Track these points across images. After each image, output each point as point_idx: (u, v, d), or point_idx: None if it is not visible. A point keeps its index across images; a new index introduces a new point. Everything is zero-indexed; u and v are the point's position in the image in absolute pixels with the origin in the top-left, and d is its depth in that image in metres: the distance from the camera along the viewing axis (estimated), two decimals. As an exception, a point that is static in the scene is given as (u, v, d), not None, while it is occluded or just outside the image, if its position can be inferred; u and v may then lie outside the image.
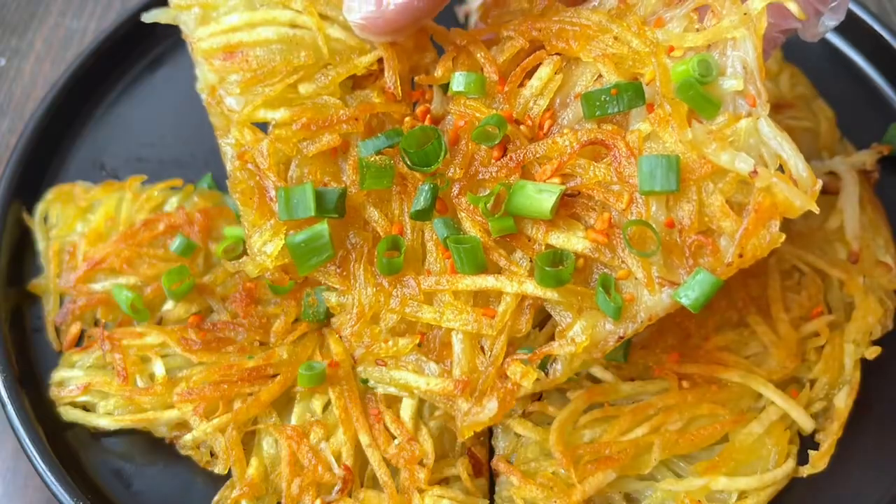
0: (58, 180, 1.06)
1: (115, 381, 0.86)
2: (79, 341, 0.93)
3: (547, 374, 0.71)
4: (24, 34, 1.29)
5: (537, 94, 0.74)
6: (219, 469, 0.84)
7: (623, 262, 0.68)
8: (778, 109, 1.02)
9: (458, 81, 0.75)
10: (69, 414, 0.88)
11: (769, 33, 0.81)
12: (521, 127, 0.74)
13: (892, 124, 1.05)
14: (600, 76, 0.72)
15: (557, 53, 0.74)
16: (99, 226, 0.98)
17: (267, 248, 0.73)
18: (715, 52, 0.68)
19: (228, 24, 0.79)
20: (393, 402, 0.85)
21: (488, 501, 0.83)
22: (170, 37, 1.20)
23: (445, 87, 0.78)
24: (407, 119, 0.78)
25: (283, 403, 0.86)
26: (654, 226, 0.66)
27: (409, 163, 0.73)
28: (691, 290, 0.66)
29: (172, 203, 1.00)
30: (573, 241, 0.69)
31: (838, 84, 1.10)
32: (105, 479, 0.87)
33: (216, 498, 0.83)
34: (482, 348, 0.72)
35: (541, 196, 0.68)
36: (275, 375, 0.86)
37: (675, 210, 0.67)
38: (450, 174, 0.73)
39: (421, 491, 0.80)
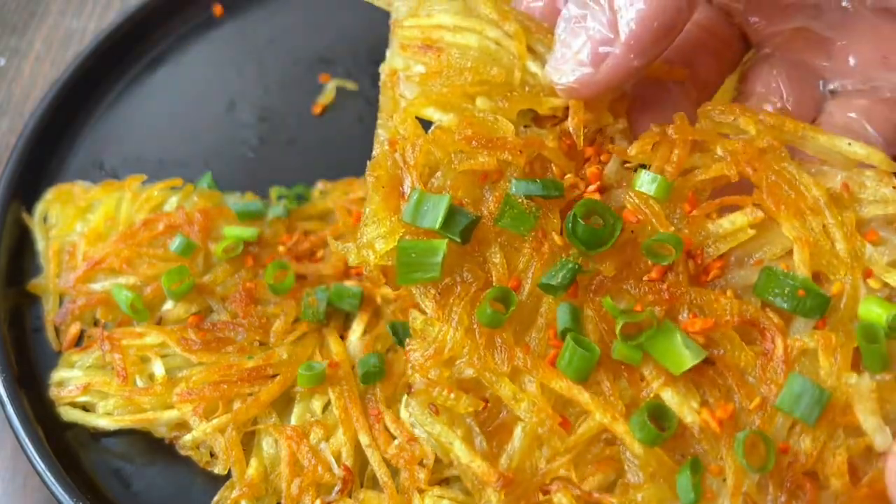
0: (57, 180, 1.06)
1: (114, 382, 0.86)
2: (78, 341, 0.93)
3: None
4: (24, 34, 1.29)
5: (722, 236, 0.68)
6: (218, 469, 0.84)
7: (721, 458, 0.62)
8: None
9: (651, 180, 0.68)
10: (69, 414, 0.88)
11: None
12: (690, 262, 0.67)
13: (893, 124, 1.05)
14: (790, 254, 0.66)
15: (757, 204, 0.68)
16: (98, 226, 0.98)
17: (378, 243, 0.68)
18: None
19: (438, 20, 0.77)
20: (393, 402, 0.85)
21: None
22: (170, 36, 1.20)
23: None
24: (568, 176, 0.71)
25: (283, 403, 0.86)
26: (773, 447, 0.61)
27: (571, 230, 0.67)
28: None
29: (172, 203, 1.00)
30: (685, 410, 0.63)
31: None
32: (105, 479, 0.86)
33: (216, 498, 0.83)
34: (542, 453, 0.65)
35: (683, 352, 0.62)
36: (275, 375, 0.86)
37: (797, 438, 0.62)
38: (601, 267, 0.67)
39: (421, 491, 0.80)
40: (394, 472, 0.81)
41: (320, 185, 1.04)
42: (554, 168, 0.71)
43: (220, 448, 0.83)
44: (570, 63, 0.70)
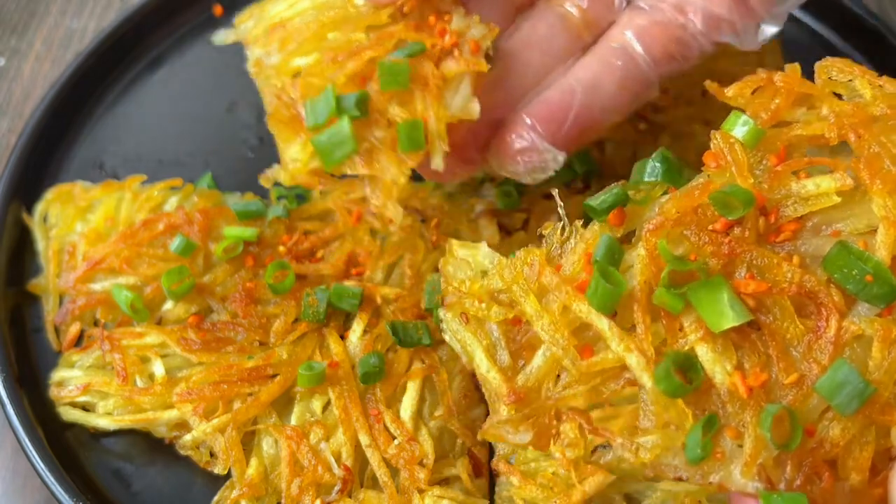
0: (57, 180, 1.06)
1: (114, 381, 0.86)
2: (78, 341, 0.93)
3: (592, 453, 0.64)
4: (24, 34, 1.29)
5: (803, 198, 0.64)
6: (218, 469, 0.84)
7: (743, 424, 0.59)
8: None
9: (742, 123, 0.67)
10: (69, 414, 0.88)
11: (701, 45, 0.80)
12: (761, 219, 0.64)
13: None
14: (872, 233, 0.62)
15: (853, 177, 0.64)
16: (99, 226, 0.98)
17: (297, 155, 0.79)
18: None
19: (274, 12, 0.89)
20: (393, 402, 0.85)
21: (488, 501, 0.83)
22: (170, 36, 1.20)
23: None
24: (427, 40, 0.79)
25: (283, 403, 0.86)
26: (801, 427, 0.59)
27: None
28: None
29: (172, 203, 1.00)
30: (717, 369, 0.60)
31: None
32: (105, 479, 0.87)
33: (216, 498, 0.83)
34: (558, 378, 0.65)
35: (727, 311, 0.60)
36: (274, 375, 0.86)
37: (826, 424, 0.59)
38: (662, 201, 0.66)
39: (421, 491, 0.80)
40: (394, 472, 0.81)
41: (320, 185, 1.04)
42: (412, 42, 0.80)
43: (220, 448, 0.83)
44: None
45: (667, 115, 1.02)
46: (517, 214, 0.99)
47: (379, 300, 0.91)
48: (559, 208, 0.72)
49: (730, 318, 0.60)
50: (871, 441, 0.59)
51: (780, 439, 0.58)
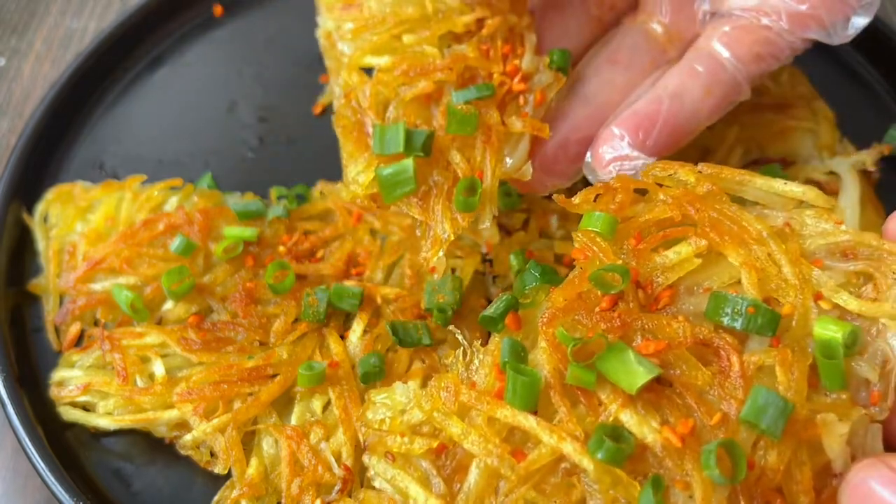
0: (58, 180, 1.06)
1: (114, 381, 0.86)
2: (79, 341, 0.93)
3: None
4: (24, 34, 1.29)
5: (669, 267, 0.70)
6: (219, 469, 0.84)
7: (687, 474, 0.61)
8: (778, 110, 1.02)
9: (595, 220, 0.72)
10: (69, 414, 0.88)
11: (790, 43, 0.81)
12: (640, 292, 0.70)
13: (893, 124, 1.05)
14: (738, 283, 0.68)
15: (705, 240, 0.70)
16: (99, 226, 0.98)
17: (360, 177, 0.80)
18: (856, 322, 0.64)
19: None
20: (393, 402, 0.85)
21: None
22: (170, 37, 1.20)
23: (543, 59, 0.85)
24: (495, 76, 0.82)
25: (283, 403, 0.86)
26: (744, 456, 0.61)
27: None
28: None
29: (172, 203, 1.00)
30: (645, 430, 0.62)
31: (838, 84, 1.10)
32: (105, 479, 0.87)
33: (216, 498, 0.83)
34: (497, 489, 0.66)
35: (636, 369, 0.63)
36: (275, 375, 0.86)
37: (762, 454, 0.62)
38: (549, 298, 0.70)
39: (421, 491, 0.80)
40: (394, 471, 0.81)
41: (320, 185, 1.04)
42: (481, 73, 0.83)
43: (220, 448, 0.83)
44: None
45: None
46: (517, 214, 0.99)
47: (379, 300, 0.91)
48: (458, 335, 0.79)
49: (641, 375, 0.63)
50: (807, 461, 0.62)
51: (727, 473, 0.60)
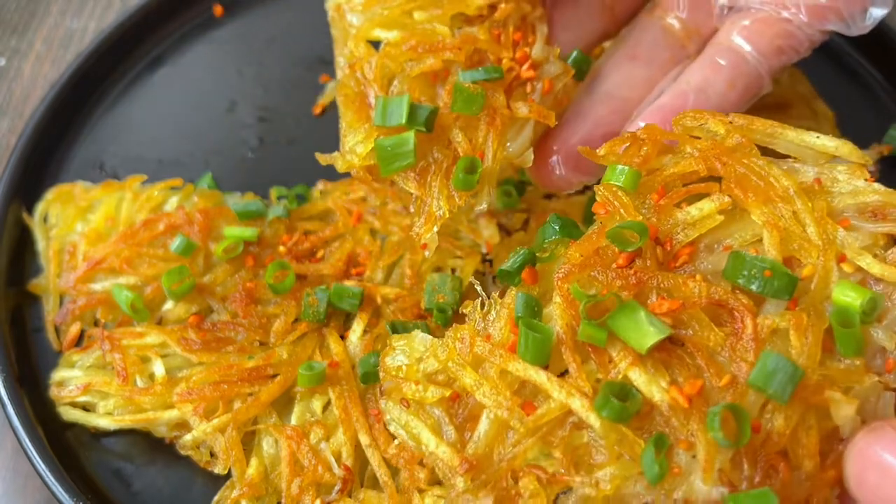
0: (58, 180, 1.06)
1: (115, 381, 0.86)
2: (78, 341, 0.93)
3: (555, 501, 0.65)
4: (24, 34, 1.29)
5: (690, 223, 0.69)
6: (219, 469, 0.84)
7: (692, 434, 0.61)
8: (778, 109, 1.02)
9: (618, 173, 0.72)
10: (69, 414, 0.88)
11: (809, 35, 0.81)
12: (658, 249, 0.69)
13: (893, 124, 1.05)
14: (760, 241, 0.67)
15: (729, 196, 0.69)
16: (99, 226, 0.98)
17: (358, 147, 0.78)
18: (878, 287, 0.64)
19: None
20: (393, 402, 0.85)
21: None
22: (170, 37, 1.20)
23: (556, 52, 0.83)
24: (504, 60, 0.80)
25: (283, 403, 0.86)
26: (748, 419, 0.61)
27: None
28: None
29: (172, 203, 1.00)
30: (653, 389, 0.63)
31: (838, 84, 1.10)
32: (105, 479, 0.87)
33: (216, 498, 0.83)
34: (506, 440, 0.67)
35: (647, 329, 0.63)
36: (275, 375, 0.86)
37: (768, 417, 0.62)
38: (566, 253, 0.70)
39: (421, 491, 0.80)
40: (394, 471, 0.81)
41: (320, 185, 1.04)
42: (490, 57, 0.80)
43: (220, 448, 0.83)
44: None
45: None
46: (517, 214, 0.99)
47: (379, 300, 0.91)
48: (476, 287, 0.77)
49: (652, 335, 0.63)
50: (814, 425, 0.61)
51: (731, 437, 0.60)
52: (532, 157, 0.81)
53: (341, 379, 0.85)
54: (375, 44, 0.84)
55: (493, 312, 0.72)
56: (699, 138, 0.73)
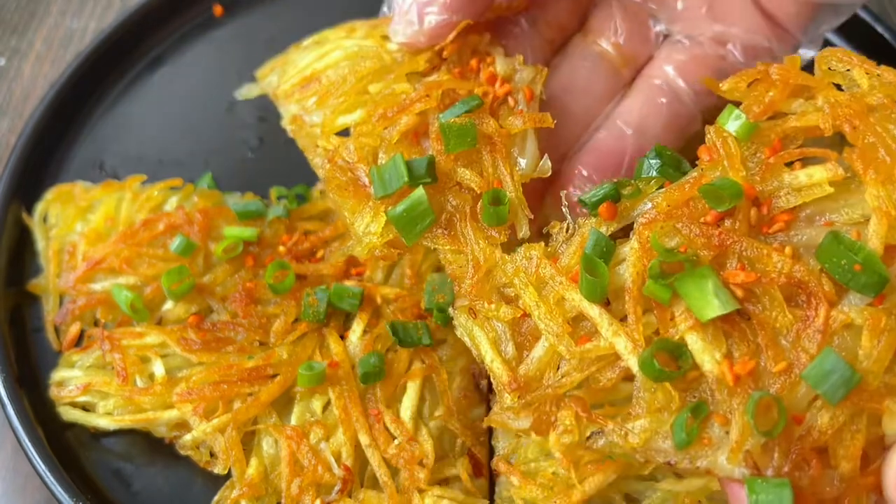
0: (57, 180, 1.06)
1: (114, 381, 0.86)
2: (78, 341, 0.93)
3: (588, 439, 0.65)
4: (24, 34, 1.29)
5: (796, 189, 0.65)
6: (218, 469, 0.84)
7: (731, 412, 0.60)
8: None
9: (735, 118, 0.67)
10: (69, 414, 0.88)
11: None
12: (753, 210, 0.65)
13: (893, 124, 1.05)
14: (865, 223, 0.62)
15: (847, 166, 0.64)
16: (99, 226, 0.98)
17: (371, 227, 0.74)
18: None
19: (302, 64, 0.88)
20: (393, 402, 0.85)
21: (488, 502, 0.83)
22: (170, 37, 1.20)
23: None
24: (477, 89, 0.78)
25: (283, 403, 0.86)
26: (786, 414, 0.59)
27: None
28: (766, 494, 0.58)
29: (172, 203, 1.00)
30: (706, 358, 0.61)
31: (838, 84, 1.10)
32: (105, 479, 0.87)
33: (216, 498, 0.83)
34: (558, 368, 0.66)
35: (712, 301, 0.61)
36: (275, 375, 0.86)
37: (815, 412, 0.60)
38: (654, 196, 0.67)
39: (421, 491, 0.80)
40: (394, 472, 0.81)
41: (320, 185, 1.04)
42: (461, 92, 0.79)
43: (220, 448, 0.83)
44: (402, 23, 0.79)
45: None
46: (517, 214, 0.99)
47: (379, 300, 0.91)
48: (563, 208, 0.74)
49: (715, 308, 0.61)
50: (862, 430, 0.60)
51: (764, 426, 0.59)
52: (549, 164, 0.77)
53: (341, 379, 0.85)
54: (345, 133, 0.81)
55: (574, 237, 0.70)
56: (839, 87, 0.67)
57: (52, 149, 1.08)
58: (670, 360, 0.62)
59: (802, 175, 0.65)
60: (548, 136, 0.80)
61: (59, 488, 0.81)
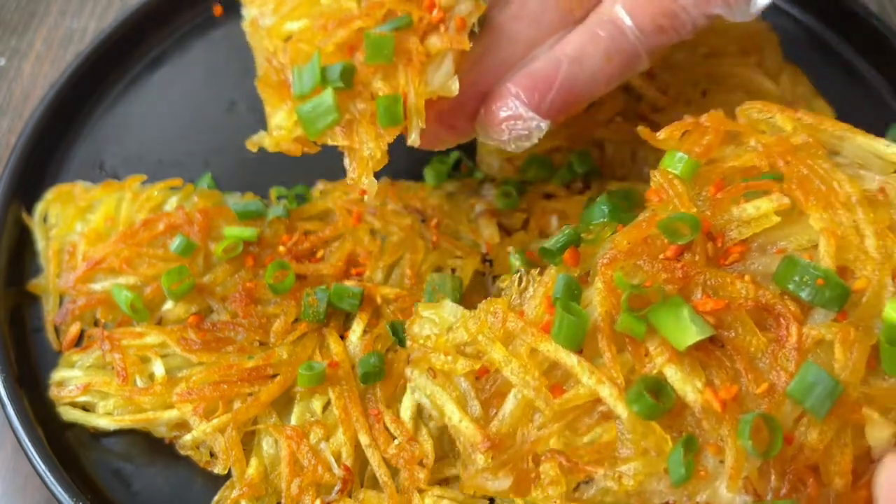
0: (57, 180, 1.06)
1: (114, 381, 0.86)
2: (78, 341, 0.93)
3: (575, 489, 0.64)
4: (24, 34, 1.29)
5: (745, 221, 0.67)
6: (218, 469, 0.84)
7: (722, 439, 0.60)
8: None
9: (676, 160, 0.70)
10: (69, 414, 0.88)
11: (694, 18, 0.80)
12: (709, 244, 0.67)
13: (892, 124, 1.05)
14: (815, 247, 0.65)
15: (788, 197, 0.67)
16: (99, 226, 0.98)
17: (282, 122, 0.80)
18: None
19: None
20: (393, 402, 0.85)
21: (488, 502, 0.83)
22: (170, 37, 1.20)
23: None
24: (414, 12, 0.79)
25: (283, 403, 0.86)
26: (781, 431, 0.60)
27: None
28: None
29: (172, 203, 1.00)
30: (688, 388, 0.61)
31: (838, 84, 1.10)
32: (105, 479, 0.87)
33: (216, 498, 0.83)
34: (532, 421, 0.66)
35: (689, 327, 0.61)
36: (275, 375, 0.86)
37: (803, 430, 0.60)
38: (613, 237, 0.68)
39: (421, 491, 0.80)
40: (394, 472, 0.81)
41: (320, 185, 1.04)
42: (400, 14, 0.80)
43: (220, 448, 0.83)
44: None
45: (667, 115, 1.02)
46: (517, 214, 0.99)
47: (379, 300, 0.91)
48: (513, 256, 0.77)
49: (693, 333, 0.61)
50: (850, 443, 0.60)
51: (760, 447, 0.59)
52: (457, 85, 0.79)
53: (341, 379, 0.85)
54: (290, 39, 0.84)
55: (529, 289, 0.70)
56: (764, 132, 0.70)
57: (52, 149, 1.08)
58: (654, 397, 0.61)
59: (750, 207, 0.67)
60: (488, 58, 0.82)
61: (59, 488, 0.81)
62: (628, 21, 0.80)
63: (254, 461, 0.83)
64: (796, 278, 0.62)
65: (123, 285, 0.91)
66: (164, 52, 1.19)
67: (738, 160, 0.69)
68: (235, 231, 0.94)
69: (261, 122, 1.11)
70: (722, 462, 0.60)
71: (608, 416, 0.63)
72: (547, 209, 0.98)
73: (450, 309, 0.74)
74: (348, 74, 0.78)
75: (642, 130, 0.73)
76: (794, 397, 0.60)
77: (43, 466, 0.82)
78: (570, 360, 0.64)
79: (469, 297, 0.92)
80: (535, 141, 0.82)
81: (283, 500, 0.81)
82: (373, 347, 0.87)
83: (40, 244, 1.00)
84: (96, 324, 0.93)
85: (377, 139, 0.78)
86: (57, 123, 1.09)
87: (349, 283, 0.91)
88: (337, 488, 0.81)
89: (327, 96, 0.77)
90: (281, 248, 0.95)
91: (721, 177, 0.69)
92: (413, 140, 0.79)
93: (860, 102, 1.10)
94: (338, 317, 0.91)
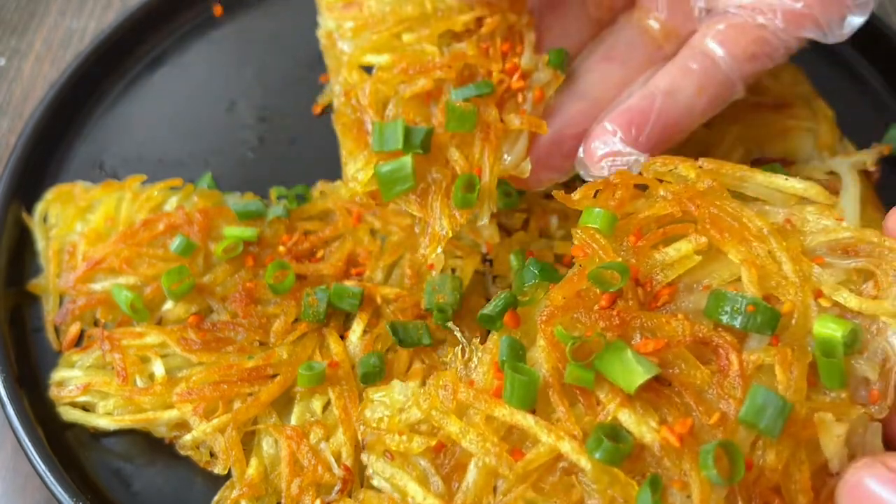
0: (57, 180, 1.06)
1: (114, 381, 0.86)
2: (78, 341, 0.93)
3: None
4: (24, 34, 1.29)
5: (669, 264, 0.70)
6: (218, 469, 0.84)
7: (685, 474, 0.61)
8: (778, 109, 1.02)
9: (594, 216, 0.72)
10: (69, 414, 0.88)
11: (785, 42, 0.81)
12: (639, 290, 0.69)
13: (892, 124, 1.05)
14: (738, 280, 0.68)
15: (705, 236, 0.70)
16: (98, 226, 0.98)
17: (359, 175, 0.81)
18: (856, 320, 0.64)
19: None
20: (393, 402, 0.85)
21: (488, 501, 0.83)
22: (170, 36, 1.20)
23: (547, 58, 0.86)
24: (495, 74, 0.83)
25: (283, 403, 0.86)
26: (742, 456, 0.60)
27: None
28: None
29: (172, 203, 1.00)
30: (644, 429, 0.62)
31: (838, 84, 1.10)
32: (105, 479, 0.87)
33: (216, 498, 0.83)
34: (495, 489, 0.66)
35: (635, 368, 0.62)
36: (275, 375, 0.86)
37: (760, 454, 0.61)
38: (548, 296, 0.70)
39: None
40: (394, 471, 0.81)
41: (320, 185, 1.04)
42: (481, 71, 0.84)
43: (220, 448, 0.83)
44: None
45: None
46: (517, 214, 0.99)
47: (379, 300, 0.91)
48: (456, 332, 0.78)
49: (640, 373, 0.62)
50: (805, 460, 0.61)
51: (725, 474, 0.59)
52: (529, 167, 0.82)
53: (341, 379, 0.85)
54: (369, 69, 0.86)
55: (474, 358, 0.72)
56: (671, 182, 0.74)
57: (52, 149, 1.08)
58: (614, 444, 0.62)
59: (671, 250, 0.70)
60: (582, 99, 0.86)
61: (59, 488, 0.81)
62: (719, 51, 0.81)
63: (254, 461, 0.83)
64: (727, 309, 0.65)
65: (123, 285, 0.91)
66: (164, 52, 1.19)
67: (651, 210, 0.72)
68: (235, 231, 0.94)
69: (261, 122, 1.13)
70: (689, 497, 0.61)
71: (570, 470, 0.64)
72: (547, 209, 0.98)
73: (399, 389, 0.75)
74: (428, 140, 0.79)
75: (557, 194, 0.75)
76: (746, 422, 0.61)
77: (43, 466, 0.82)
78: (526, 421, 0.65)
79: (469, 297, 0.92)
80: (636, 173, 0.83)
81: (283, 500, 0.81)
82: (373, 347, 0.87)
83: (40, 244, 1.00)
84: (96, 324, 0.93)
85: (451, 219, 0.79)
86: (57, 123, 1.09)
87: (349, 283, 0.91)
88: (337, 488, 0.81)
89: (407, 163, 0.78)
90: (281, 248, 0.95)
91: (638, 227, 0.72)
92: (482, 222, 0.81)
93: (860, 102, 1.10)
94: (338, 317, 0.91)
